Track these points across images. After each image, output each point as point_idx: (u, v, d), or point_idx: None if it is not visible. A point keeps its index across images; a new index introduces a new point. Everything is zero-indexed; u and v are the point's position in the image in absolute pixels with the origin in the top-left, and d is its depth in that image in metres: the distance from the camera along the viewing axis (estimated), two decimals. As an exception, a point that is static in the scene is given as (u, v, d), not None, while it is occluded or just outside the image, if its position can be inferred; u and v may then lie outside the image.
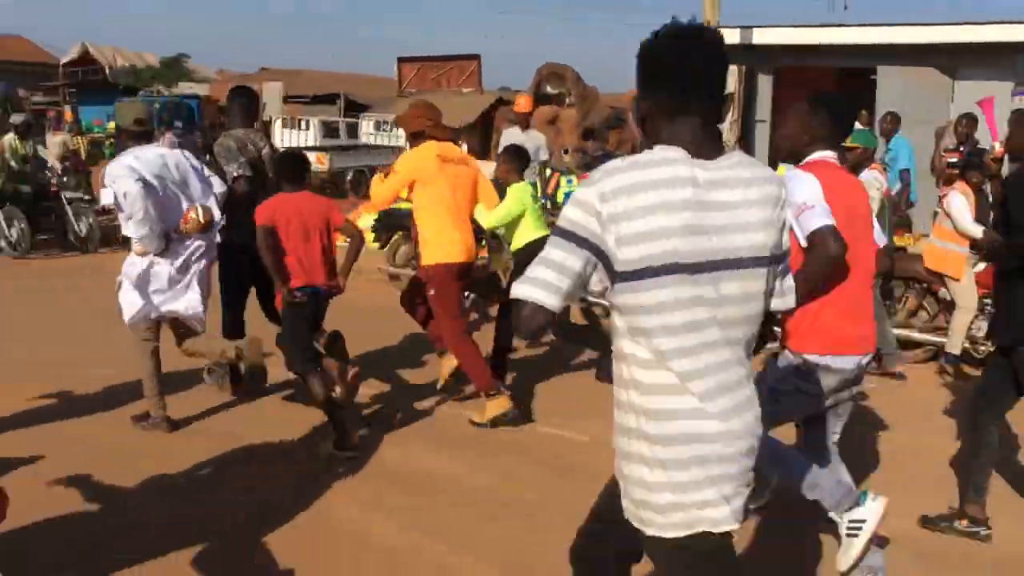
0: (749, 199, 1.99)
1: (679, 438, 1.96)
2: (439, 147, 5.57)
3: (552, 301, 1.93)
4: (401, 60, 25.83)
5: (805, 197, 3.17)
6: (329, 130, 24.06)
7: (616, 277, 1.94)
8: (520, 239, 5.93)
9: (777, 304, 2.20)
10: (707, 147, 1.99)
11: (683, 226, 1.90)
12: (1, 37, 56.39)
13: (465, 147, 11.39)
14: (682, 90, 1.98)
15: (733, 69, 13.70)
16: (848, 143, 5.75)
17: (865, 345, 3.38)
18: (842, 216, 3.19)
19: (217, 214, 5.31)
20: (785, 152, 3.57)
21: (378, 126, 25.59)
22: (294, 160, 5.35)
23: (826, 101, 3.44)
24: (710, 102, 2.01)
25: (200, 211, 5.14)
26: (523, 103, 10.26)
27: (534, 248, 4.52)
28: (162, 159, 5.14)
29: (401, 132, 8.66)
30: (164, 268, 5.13)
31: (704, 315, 1.95)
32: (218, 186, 5.50)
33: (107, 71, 34.41)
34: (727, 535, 2.04)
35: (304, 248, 5.04)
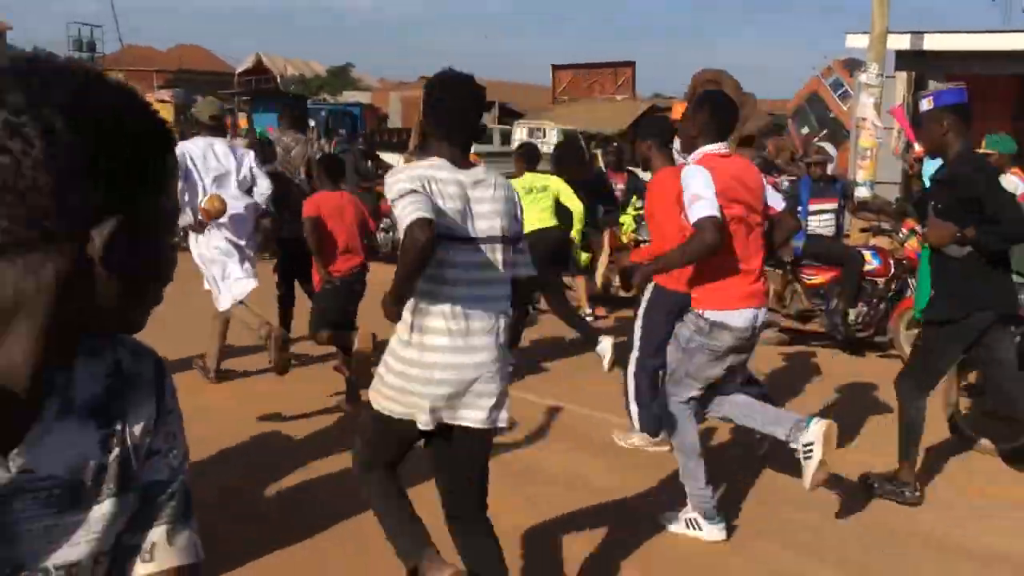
0: (496, 196, 2.86)
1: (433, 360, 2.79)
2: None
3: (430, 215, 2.60)
4: (556, 67, 26.00)
5: (695, 189, 3.73)
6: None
7: None
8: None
9: (519, 272, 2.97)
10: (460, 161, 2.86)
11: (456, 210, 2.75)
12: (182, 47, 60.41)
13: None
14: (443, 124, 2.87)
15: (902, 76, 13.09)
16: (983, 149, 6.25)
17: (755, 301, 3.92)
18: (730, 193, 3.80)
19: (233, 205, 5.82)
20: (683, 147, 4.19)
21: (531, 133, 25.86)
22: (331, 162, 6.26)
23: (708, 100, 4.02)
24: (461, 135, 2.88)
25: (207, 199, 5.67)
26: (679, 110, 10.12)
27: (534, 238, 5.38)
28: (210, 148, 5.96)
29: (551, 139, 8.66)
30: (234, 256, 5.88)
31: (470, 274, 2.80)
32: (263, 187, 6.16)
33: (278, 80, 36.24)
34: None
35: (343, 236, 5.82)
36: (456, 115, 2.86)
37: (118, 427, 1.01)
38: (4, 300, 0.86)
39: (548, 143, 20.49)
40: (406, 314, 2.82)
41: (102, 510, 0.98)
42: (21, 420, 0.92)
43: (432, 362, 2.78)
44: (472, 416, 2.84)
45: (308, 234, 5.72)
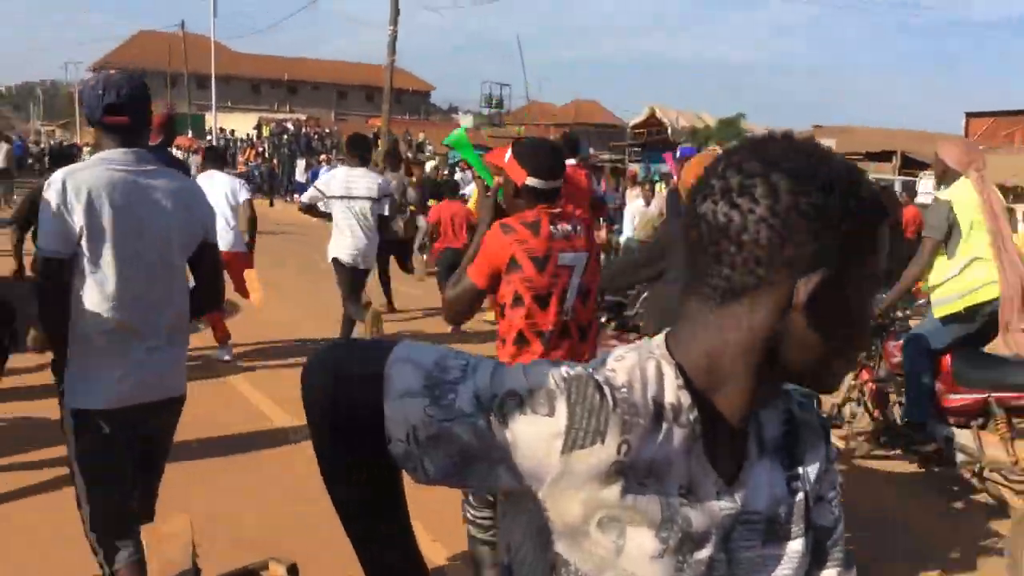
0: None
1: None
2: None
3: None
4: (970, 115, 23.48)
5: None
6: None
7: None
8: None
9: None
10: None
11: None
12: (579, 101, 63.92)
13: None
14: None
15: None
16: None
17: None
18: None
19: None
20: None
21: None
22: (434, 185, 8.12)
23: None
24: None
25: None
26: None
27: None
28: (344, 174, 7.29)
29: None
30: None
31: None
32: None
33: (668, 131, 36.80)
34: None
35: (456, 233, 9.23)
36: None
37: (799, 469, 1.09)
38: (717, 343, 0.99)
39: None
40: None
41: (795, 547, 1.06)
42: (736, 457, 1.04)
43: None
44: None
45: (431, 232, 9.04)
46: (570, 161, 7.20)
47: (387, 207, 7.52)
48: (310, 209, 7.44)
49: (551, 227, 3.08)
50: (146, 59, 65.43)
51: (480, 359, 1.01)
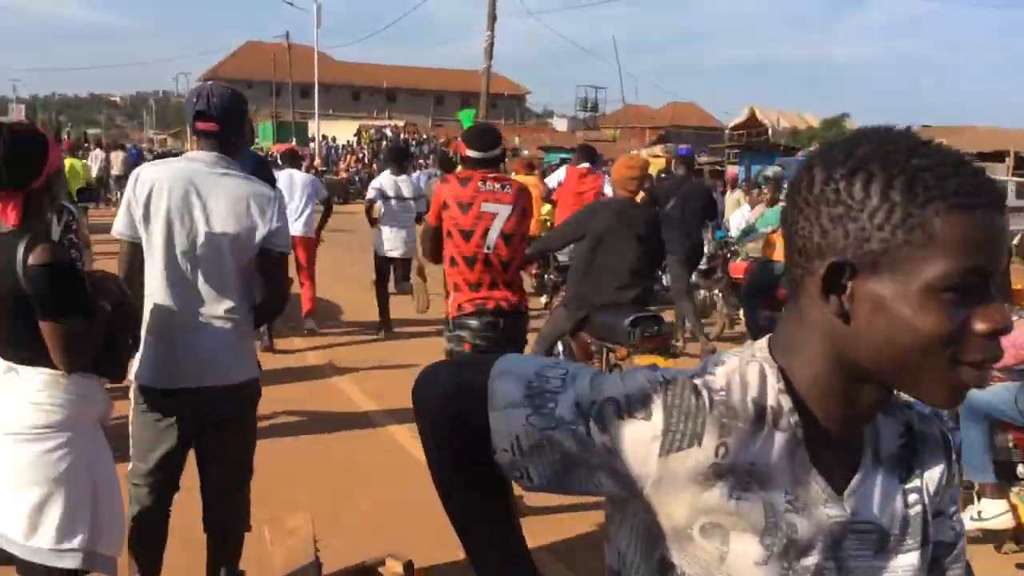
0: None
1: None
2: None
3: None
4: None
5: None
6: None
7: None
8: None
9: None
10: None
11: None
12: (675, 104, 63.27)
13: None
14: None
15: None
16: None
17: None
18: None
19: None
20: None
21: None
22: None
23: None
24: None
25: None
26: None
27: None
28: (406, 180, 8.86)
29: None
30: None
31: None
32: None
33: (769, 132, 36.10)
34: None
35: None
36: None
37: (917, 483, 1.06)
38: (798, 341, 1.00)
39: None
40: None
41: (908, 560, 1.03)
42: (848, 464, 1.02)
43: None
44: None
45: None
46: (584, 165, 9.17)
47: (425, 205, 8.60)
48: (371, 208, 8.83)
49: (480, 183, 4.10)
50: (252, 69, 67.69)
51: (579, 368, 1.04)
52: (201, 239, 3.02)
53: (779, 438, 0.98)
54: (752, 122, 37.19)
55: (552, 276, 9.74)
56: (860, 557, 1.01)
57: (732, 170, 23.27)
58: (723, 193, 16.95)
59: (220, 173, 3.06)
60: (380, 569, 1.93)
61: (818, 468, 1.00)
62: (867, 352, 0.94)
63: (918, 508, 1.05)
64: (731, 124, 38.54)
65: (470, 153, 4.21)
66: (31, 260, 2.47)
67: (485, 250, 4.06)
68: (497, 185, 4.13)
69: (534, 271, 10.38)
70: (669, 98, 68.76)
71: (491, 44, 25.84)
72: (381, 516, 4.48)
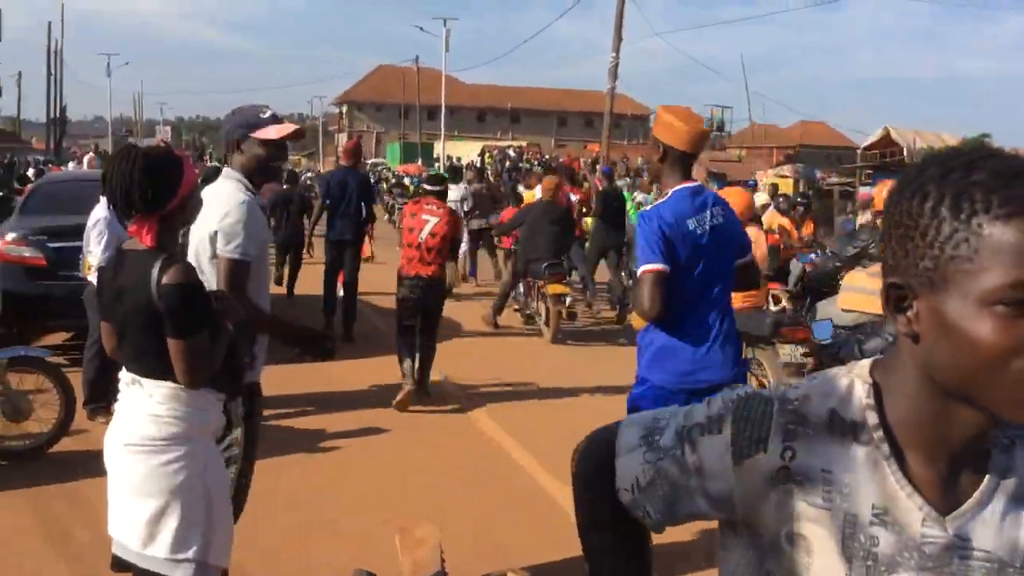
0: None
1: None
2: None
3: None
4: None
5: None
6: None
7: None
8: None
9: None
10: None
11: None
12: (804, 123, 61.59)
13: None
14: None
15: None
16: None
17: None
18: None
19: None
20: None
21: None
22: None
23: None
24: None
25: None
26: None
27: None
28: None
29: None
30: None
31: None
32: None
33: (904, 153, 34.72)
34: None
35: None
36: None
37: None
38: (895, 359, 1.00)
39: None
40: None
41: None
42: (961, 488, 0.98)
43: None
44: None
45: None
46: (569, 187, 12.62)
47: (466, 204, 12.74)
48: None
49: (424, 205, 7.13)
50: (383, 92, 69.73)
51: (687, 407, 1.14)
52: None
53: (859, 451, 0.99)
54: (887, 141, 35.78)
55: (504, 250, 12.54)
56: None
57: (864, 191, 22.48)
58: (852, 214, 16.44)
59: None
60: (502, 580, 1.99)
61: (916, 486, 0.98)
62: (939, 371, 0.93)
63: None
64: (864, 144, 37.20)
65: (425, 186, 7.54)
66: (165, 279, 2.57)
67: (419, 240, 6.93)
68: (434, 207, 7.10)
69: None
70: (798, 117, 66.96)
71: (616, 65, 25.85)
72: (495, 530, 4.55)
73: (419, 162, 36.82)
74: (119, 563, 2.87)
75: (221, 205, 3.14)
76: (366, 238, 10.44)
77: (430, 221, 6.92)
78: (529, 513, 4.84)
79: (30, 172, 21.94)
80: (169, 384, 2.68)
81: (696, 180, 3.46)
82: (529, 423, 6.56)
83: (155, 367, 2.68)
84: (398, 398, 6.71)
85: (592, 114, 67.10)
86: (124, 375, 2.80)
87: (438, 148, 43.17)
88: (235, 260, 3.15)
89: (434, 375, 7.35)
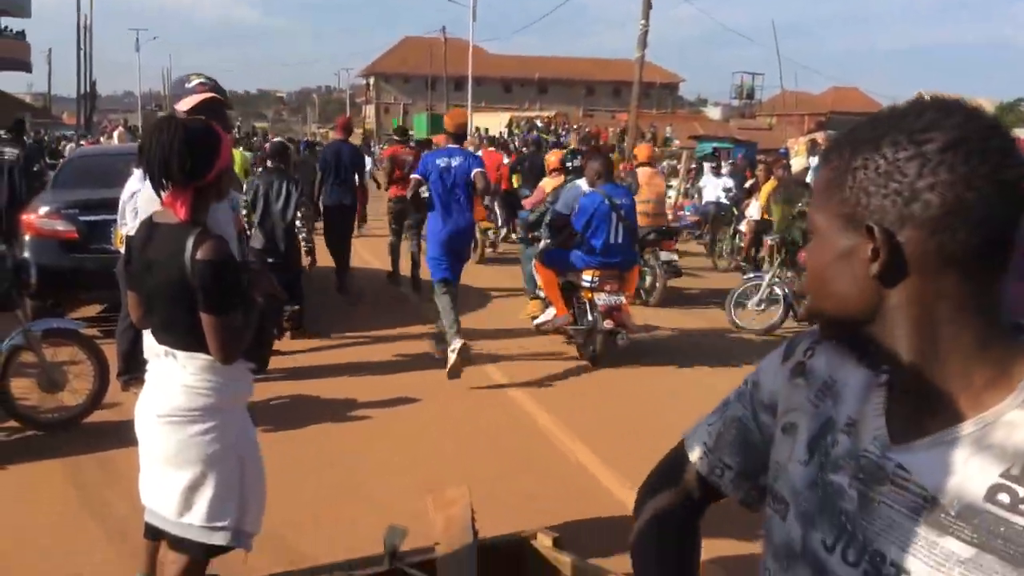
0: None
1: None
2: None
3: None
4: None
5: None
6: None
7: None
8: None
9: None
10: None
11: None
12: (837, 89, 60.67)
13: None
14: None
15: None
16: None
17: None
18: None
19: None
20: None
21: None
22: None
23: None
24: None
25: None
26: None
27: None
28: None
29: None
30: None
31: None
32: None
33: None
34: None
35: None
36: None
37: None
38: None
39: None
40: None
41: (956, 548, 0.93)
42: (926, 426, 0.99)
43: None
44: None
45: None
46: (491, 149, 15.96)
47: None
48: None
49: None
50: (410, 64, 69.55)
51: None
52: None
53: (861, 372, 1.09)
54: (920, 107, 35.21)
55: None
56: (897, 512, 0.98)
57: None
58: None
59: None
60: (532, 541, 2.02)
61: (890, 413, 1.04)
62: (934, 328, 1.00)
63: (1007, 514, 0.91)
64: (896, 110, 36.58)
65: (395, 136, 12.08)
66: (200, 255, 2.57)
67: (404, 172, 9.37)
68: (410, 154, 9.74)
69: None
70: (829, 83, 65.92)
71: (645, 33, 25.54)
72: (524, 493, 4.57)
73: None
74: (152, 531, 2.94)
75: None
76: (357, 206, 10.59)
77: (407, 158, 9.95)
78: (557, 477, 4.87)
79: (68, 147, 22.15)
80: (202, 356, 2.69)
81: (458, 147, 7.16)
82: (557, 390, 6.60)
83: (187, 339, 2.69)
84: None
85: (620, 83, 66.58)
86: (153, 346, 2.82)
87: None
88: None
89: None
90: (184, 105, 3.44)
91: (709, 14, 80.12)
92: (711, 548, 4.03)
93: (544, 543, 2.10)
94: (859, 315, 1.01)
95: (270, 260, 6.99)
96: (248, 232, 7.51)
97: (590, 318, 7.18)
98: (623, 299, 7.24)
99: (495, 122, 44.03)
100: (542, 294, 7.73)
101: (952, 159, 0.92)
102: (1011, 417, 0.94)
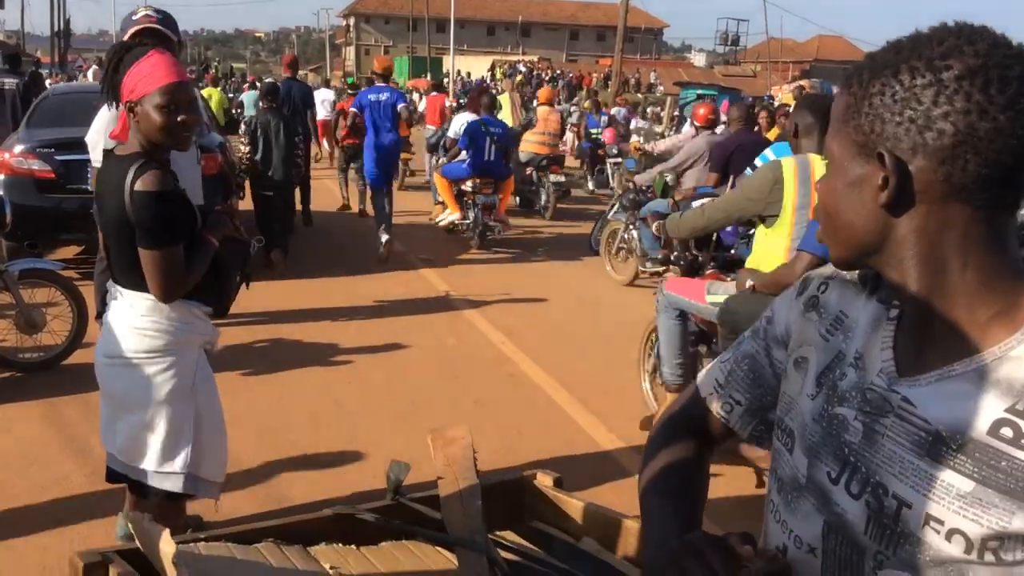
0: None
1: None
2: None
3: None
4: None
5: None
6: None
7: None
8: None
9: None
10: None
11: None
12: (822, 37, 60.42)
13: None
14: None
15: None
16: None
17: None
18: None
19: None
20: None
21: None
22: None
23: None
24: None
25: None
26: None
27: None
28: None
29: None
30: None
31: None
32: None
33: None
34: None
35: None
36: None
37: None
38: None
39: None
40: None
41: (957, 481, 0.93)
42: (934, 360, 0.98)
43: None
44: None
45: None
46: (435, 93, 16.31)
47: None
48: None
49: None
50: (390, 5, 68.40)
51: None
52: None
53: (872, 306, 1.08)
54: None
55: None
56: (900, 445, 0.97)
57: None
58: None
59: None
60: (534, 481, 2.00)
61: (898, 346, 1.03)
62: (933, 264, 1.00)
63: (1010, 448, 0.90)
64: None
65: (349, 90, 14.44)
66: (138, 186, 2.45)
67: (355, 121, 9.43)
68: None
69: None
70: (815, 31, 65.59)
71: (629, -25, 25.19)
72: (518, 437, 4.59)
73: (427, 77, 36.21)
74: (112, 474, 2.85)
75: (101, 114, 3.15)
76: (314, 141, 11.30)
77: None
78: (549, 428, 4.90)
79: (49, 83, 21.73)
80: (150, 296, 2.58)
81: (385, 85, 9.20)
82: (548, 344, 6.62)
83: (134, 278, 2.58)
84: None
85: (605, 28, 65.87)
86: (111, 286, 2.72)
87: (447, 63, 42.47)
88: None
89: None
90: (126, 36, 3.42)
91: (695, -42, 78.91)
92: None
93: (545, 482, 2.08)
94: (868, 245, 1.00)
95: (268, 193, 8.24)
96: (241, 168, 8.38)
97: (472, 214, 9.62)
98: (496, 200, 9.69)
99: (477, 66, 43.49)
100: (442, 199, 10.19)
101: (969, 87, 0.89)
102: (1018, 352, 0.93)
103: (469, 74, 40.87)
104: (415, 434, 3.68)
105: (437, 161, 10.79)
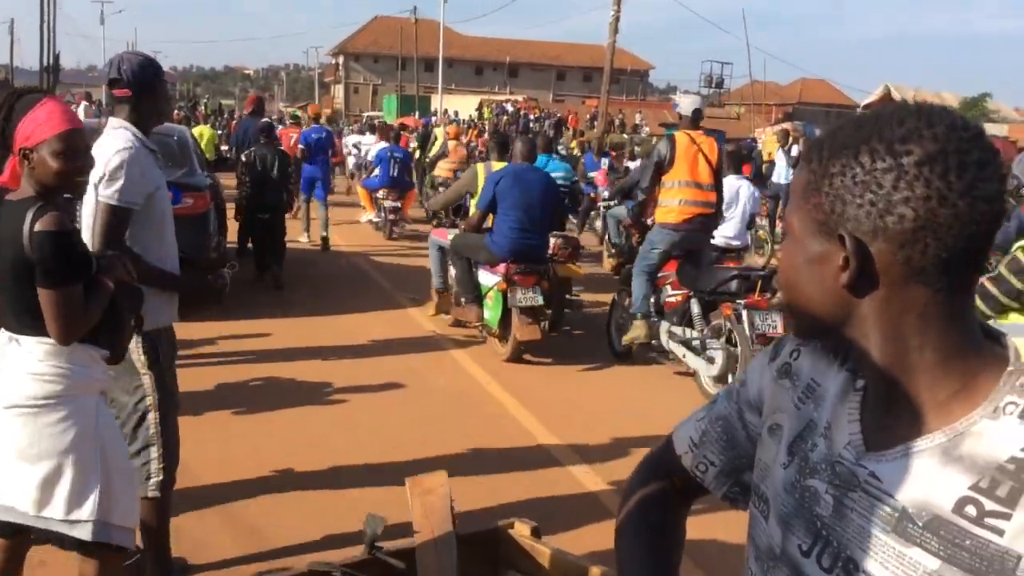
0: None
1: None
2: None
3: None
4: None
5: None
6: None
7: None
8: None
9: None
10: None
11: None
12: (804, 80, 61.18)
13: None
14: None
15: None
16: None
17: None
18: None
19: None
20: None
21: None
22: None
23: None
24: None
25: None
26: None
27: None
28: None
29: None
30: None
31: None
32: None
33: (903, 111, 34.53)
34: None
35: None
36: None
37: (1002, 508, 0.89)
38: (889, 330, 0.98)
39: None
40: None
41: (923, 559, 0.92)
42: (902, 435, 0.98)
43: None
44: None
45: None
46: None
47: None
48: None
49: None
50: (379, 44, 68.93)
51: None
52: None
53: (842, 376, 1.09)
54: (886, 100, 35.62)
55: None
56: (868, 520, 0.98)
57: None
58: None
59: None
60: (510, 531, 2.02)
61: (865, 419, 1.04)
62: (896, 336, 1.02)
63: (973, 527, 0.90)
64: (864, 103, 37.01)
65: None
66: (38, 227, 2.46)
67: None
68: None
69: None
70: (798, 74, 66.49)
71: (617, 19, 25.56)
72: (500, 484, 4.59)
73: (415, 115, 36.46)
74: (5, 527, 2.74)
75: (104, 153, 3.02)
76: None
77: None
78: (533, 470, 4.90)
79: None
80: (48, 341, 2.56)
81: (319, 126, 13.46)
82: (534, 386, 6.62)
83: (33, 323, 2.56)
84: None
85: (591, 69, 66.47)
86: (2, 333, 2.67)
87: (435, 101, 42.78)
88: (111, 205, 3.03)
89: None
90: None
91: (680, 1, 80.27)
92: (693, 549, 4.09)
93: (523, 532, 2.11)
94: (829, 321, 1.01)
95: (265, 215, 9.37)
96: (243, 194, 9.58)
97: (382, 213, 13.52)
98: (399, 205, 13.29)
99: (465, 105, 43.84)
100: (364, 204, 14.53)
101: (928, 173, 0.90)
102: (979, 428, 0.93)
103: (457, 112, 41.16)
104: (398, 476, 3.70)
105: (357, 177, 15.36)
